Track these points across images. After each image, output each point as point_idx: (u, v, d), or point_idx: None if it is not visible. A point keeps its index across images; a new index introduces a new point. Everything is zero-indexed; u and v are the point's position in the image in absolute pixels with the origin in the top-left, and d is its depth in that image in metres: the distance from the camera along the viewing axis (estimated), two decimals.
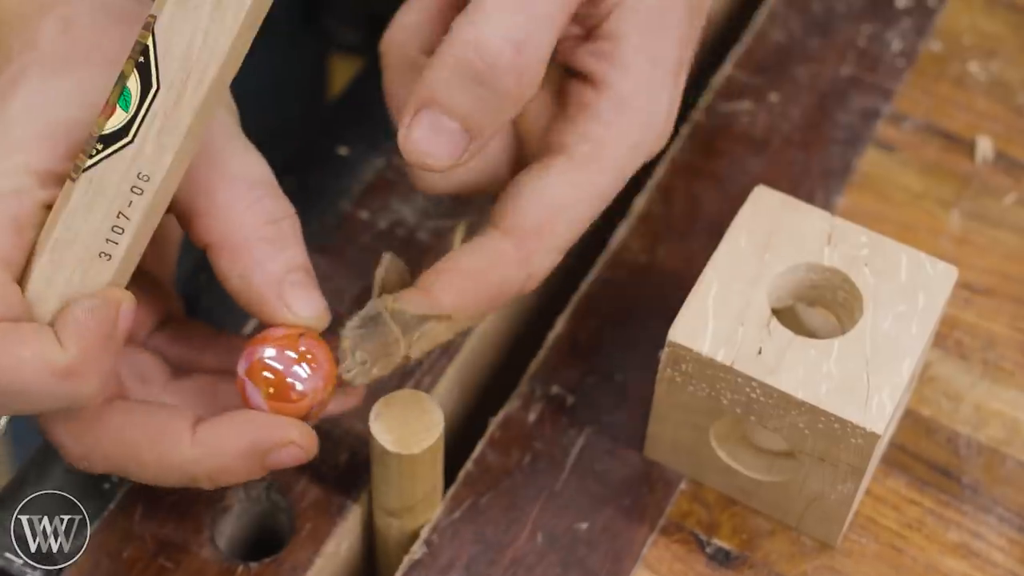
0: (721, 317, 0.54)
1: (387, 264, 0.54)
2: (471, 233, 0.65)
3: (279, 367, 0.51)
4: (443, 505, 0.58)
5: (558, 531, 0.58)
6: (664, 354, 0.55)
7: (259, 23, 0.48)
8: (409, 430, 0.54)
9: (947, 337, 0.63)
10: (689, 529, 0.58)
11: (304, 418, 0.52)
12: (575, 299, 0.64)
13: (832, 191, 0.68)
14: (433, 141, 0.49)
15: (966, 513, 0.59)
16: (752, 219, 0.57)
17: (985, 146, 0.69)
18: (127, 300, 0.49)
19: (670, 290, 0.64)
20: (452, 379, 0.63)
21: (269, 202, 0.51)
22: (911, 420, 0.61)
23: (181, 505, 0.58)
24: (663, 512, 0.59)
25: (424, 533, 0.58)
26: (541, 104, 0.54)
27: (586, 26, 0.53)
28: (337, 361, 0.52)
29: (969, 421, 0.61)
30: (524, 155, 0.55)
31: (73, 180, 0.48)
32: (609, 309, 0.64)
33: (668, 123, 0.53)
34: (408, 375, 0.62)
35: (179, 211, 0.51)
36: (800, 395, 0.53)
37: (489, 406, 0.62)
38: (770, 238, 0.56)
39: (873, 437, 0.52)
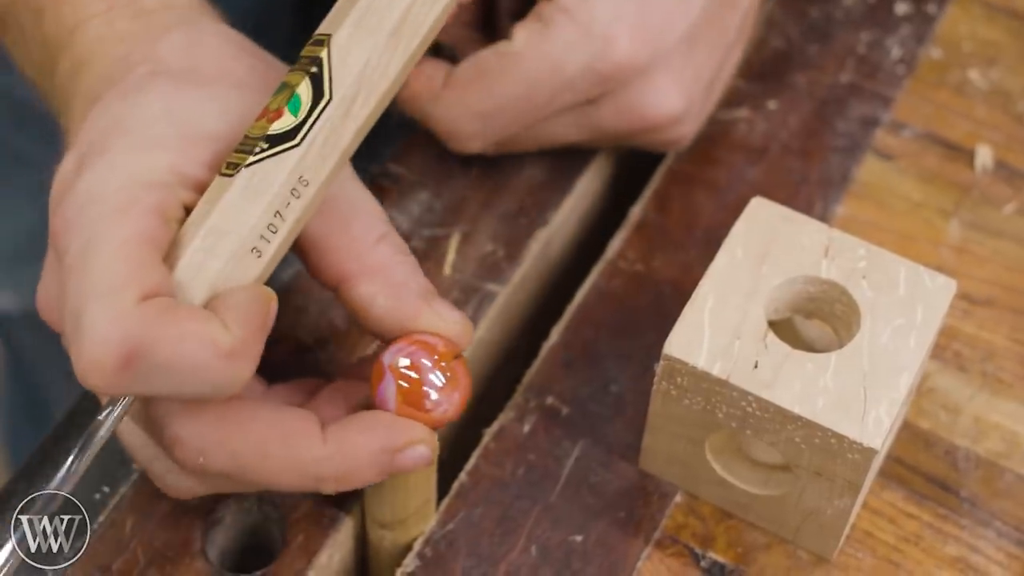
0: (717, 330, 0.54)
1: None
2: (465, 242, 0.65)
3: (418, 373, 0.51)
4: (436, 517, 0.58)
5: (552, 544, 0.57)
6: (659, 367, 0.54)
7: (424, 50, 0.51)
8: None
9: (946, 348, 0.63)
10: (684, 542, 0.58)
11: (432, 426, 0.52)
12: (570, 309, 0.64)
13: (831, 200, 0.67)
14: None
15: (964, 527, 0.58)
16: (749, 231, 0.56)
17: (985, 155, 0.69)
18: (274, 300, 0.50)
19: (666, 300, 0.64)
20: None
21: (396, 237, 0.53)
22: (909, 433, 0.61)
23: (172, 516, 0.58)
24: (658, 525, 0.58)
25: (417, 546, 0.57)
26: None
27: None
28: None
29: (968, 434, 0.61)
30: None
31: (228, 175, 0.48)
32: (604, 319, 0.63)
33: (612, 32, 0.60)
34: None
35: (309, 246, 0.52)
36: (796, 410, 0.52)
37: (483, 417, 0.61)
38: (767, 250, 0.56)
39: (870, 452, 0.52)
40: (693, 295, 0.55)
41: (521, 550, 0.57)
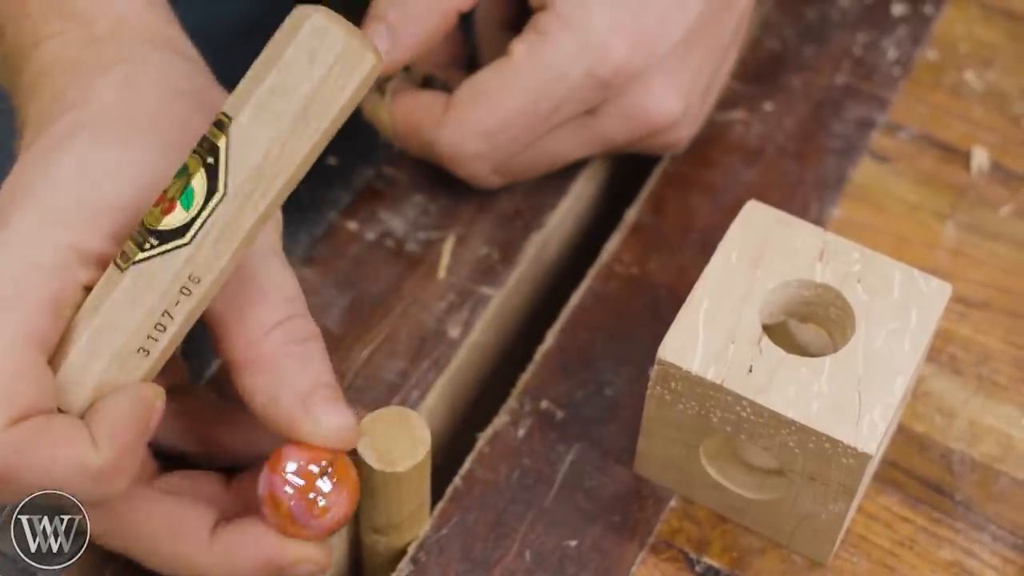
0: (712, 334, 0.54)
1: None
2: (460, 245, 0.65)
3: (301, 483, 0.50)
4: (430, 522, 0.58)
5: (546, 548, 0.57)
6: (653, 372, 0.54)
7: (334, 133, 0.47)
8: (396, 448, 0.53)
9: (941, 352, 0.63)
10: (679, 547, 0.58)
11: (325, 532, 0.52)
12: (565, 312, 0.64)
13: (826, 202, 0.67)
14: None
15: (959, 531, 0.58)
16: (744, 234, 0.56)
17: (981, 157, 0.69)
18: (159, 398, 0.49)
19: (662, 303, 0.63)
20: (441, 393, 0.62)
21: (299, 321, 0.51)
22: (904, 436, 0.60)
23: None
24: (653, 530, 0.58)
25: (411, 550, 0.57)
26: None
27: None
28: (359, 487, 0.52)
29: (963, 437, 0.60)
30: None
31: (120, 269, 0.47)
32: (600, 322, 0.63)
33: (609, 38, 0.60)
34: (396, 388, 0.61)
35: (210, 324, 0.51)
36: (791, 414, 0.52)
37: (478, 421, 0.61)
38: (762, 254, 0.56)
39: (864, 457, 0.52)
40: (688, 299, 0.55)
41: (515, 555, 0.57)
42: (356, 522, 0.58)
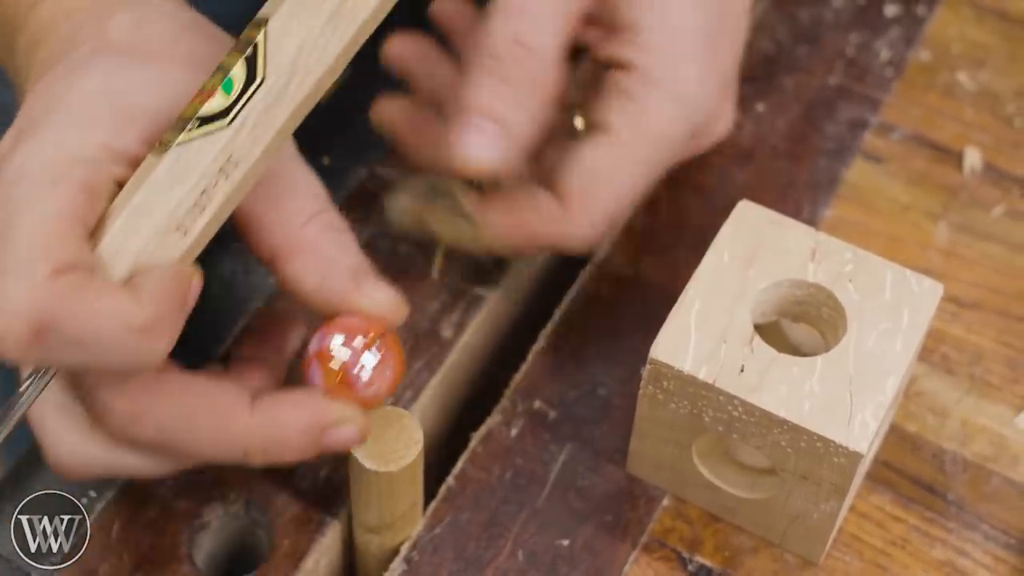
0: (703, 334, 0.54)
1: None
2: (449, 252, 0.65)
3: (349, 353, 0.52)
4: (423, 521, 0.58)
5: (539, 548, 0.57)
6: (646, 371, 0.54)
7: (365, 38, 0.50)
8: (388, 447, 0.53)
9: (933, 352, 0.63)
10: (671, 546, 0.58)
11: (370, 399, 0.53)
12: (558, 313, 0.64)
13: (819, 203, 0.67)
14: (479, 144, 0.56)
15: (951, 530, 0.58)
16: (736, 234, 0.56)
17: (973, 157, 0.69)
18: (196, 278, 0.50)
19: (654, 303, 0.63)
20: (434, 393, 0.62)
21: (333, 213, 0.53)
22: (896, 436, 0.60)
23: (159, 521, 0.58)
24: (645, 529, 0.58)
25: (404, 550, 0.57)
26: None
27: (608, 23, 0.59)
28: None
29: (955, 437, 0.61)
30: None
31: (158, 154, 0.49)
32: (592, 323, 0.63)
33: (703, 88, 0.59)
34: None
35: (244, 222, 0.52)
36: (782, 414, 0.52)
37: (471, 421, 0.61)
38: (754, 254, 0.56)
39: (856, 456, 0.52)
40: (680, 298, 0.55)
41: (508, 554, 0.57)
42: (349, 522, 0.58)
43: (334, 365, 0.52)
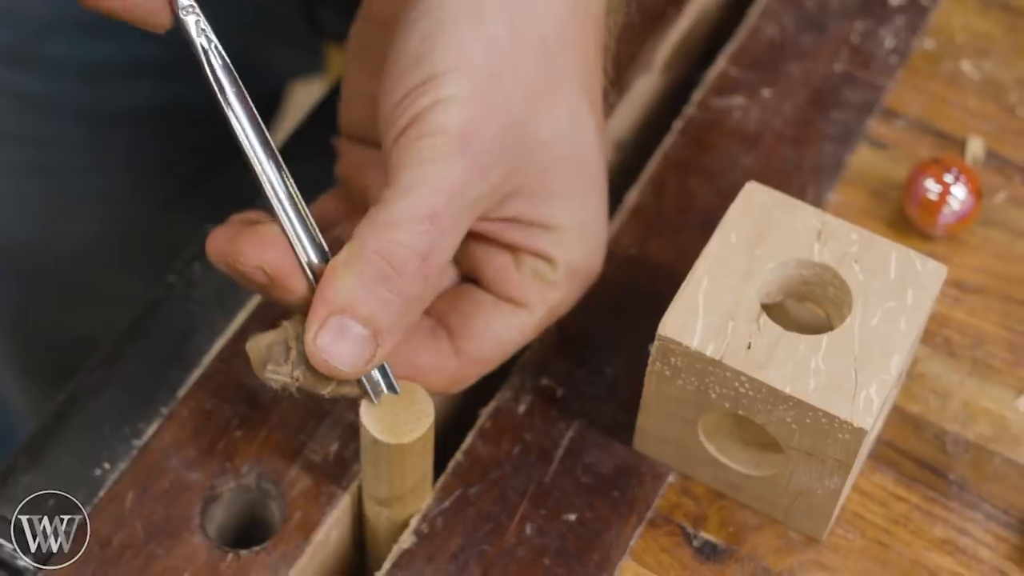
0: (711, 312, 0.55)
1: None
2: None
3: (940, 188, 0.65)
4: (433, 495, 0.59)
5: (546, 522, 0.58)
6: (654, 348, 0.55)
7: None
8: (400, 420, 0.54)
9: (936, 335, 0.64)
10: (677, 522, 0.59)
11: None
12: None
13: (823, 187, 0.68)
14: (341, 346, 0.51)
15: (953, 510, 0.59)
16: (743, 215, 0.57)
17: (976, 145, 0.70)
18: None
19: (661, 283, 0.64)
20: None
21: None
22: (899, 417, 0.61)
23: (172, 492, 0.59)
24: (651, 505, 0.59)
25: (414, 523, 0.58)
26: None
27: (528, 221, 0.57)
28: None
29: (957, 418, 0.61)
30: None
31: None
32: (600, 302, 0.64)
33: (596, 261, 0.59)
34: None
35: None
36: (788, 390, 0.53)
37: (479, 397, 0.62)
38: (761, 234, 0.57)
39: (860, 432, 0.52)
40: (687, 277, 0.56)
41: (516, 528, 0.58)
42: (359, 495, 0.59)
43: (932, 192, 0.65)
